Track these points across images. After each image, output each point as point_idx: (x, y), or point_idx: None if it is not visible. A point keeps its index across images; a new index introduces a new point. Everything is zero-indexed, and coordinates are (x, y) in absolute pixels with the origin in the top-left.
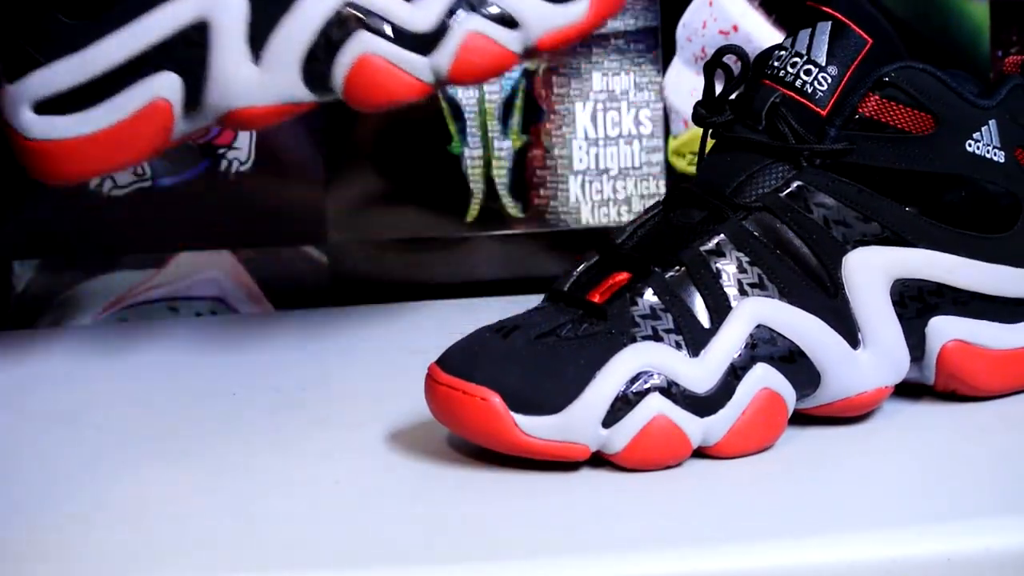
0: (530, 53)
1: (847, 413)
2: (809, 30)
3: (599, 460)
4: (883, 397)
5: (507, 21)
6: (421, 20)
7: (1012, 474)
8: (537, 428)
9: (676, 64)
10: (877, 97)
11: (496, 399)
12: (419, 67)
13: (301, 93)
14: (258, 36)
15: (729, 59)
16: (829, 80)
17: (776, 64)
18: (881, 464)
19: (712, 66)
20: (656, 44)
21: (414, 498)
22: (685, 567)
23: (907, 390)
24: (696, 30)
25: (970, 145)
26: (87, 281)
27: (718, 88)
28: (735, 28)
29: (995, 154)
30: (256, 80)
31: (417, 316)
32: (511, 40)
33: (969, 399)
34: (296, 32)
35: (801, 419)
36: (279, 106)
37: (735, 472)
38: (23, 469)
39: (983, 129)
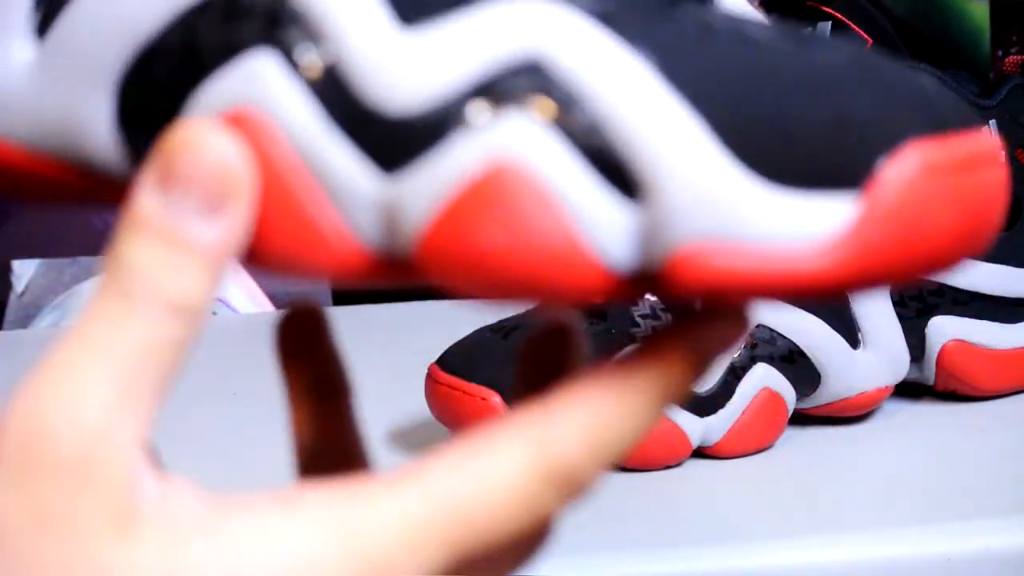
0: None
1: (847, 413)
2: (809, 30)
3: None
4: (883, 397)
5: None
6: None
7: (1012, 474)
8: None
9: None
10: None
11: (496, 399)
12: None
13: (97, 143)
14: None
15: None
16: None
17: None
18: (881, 464)
19: None
20: None
21: None
22: (685, 567)
23: (907, 390)
24: None
25: None
26: (87, 281)
27: None
28: None
29: None
30: (27, 74)
31: (417, 316)
32: None
33: (969, 399)
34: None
35: (801, 419)
36: (44, 158)
37: (735, 472)
38: None
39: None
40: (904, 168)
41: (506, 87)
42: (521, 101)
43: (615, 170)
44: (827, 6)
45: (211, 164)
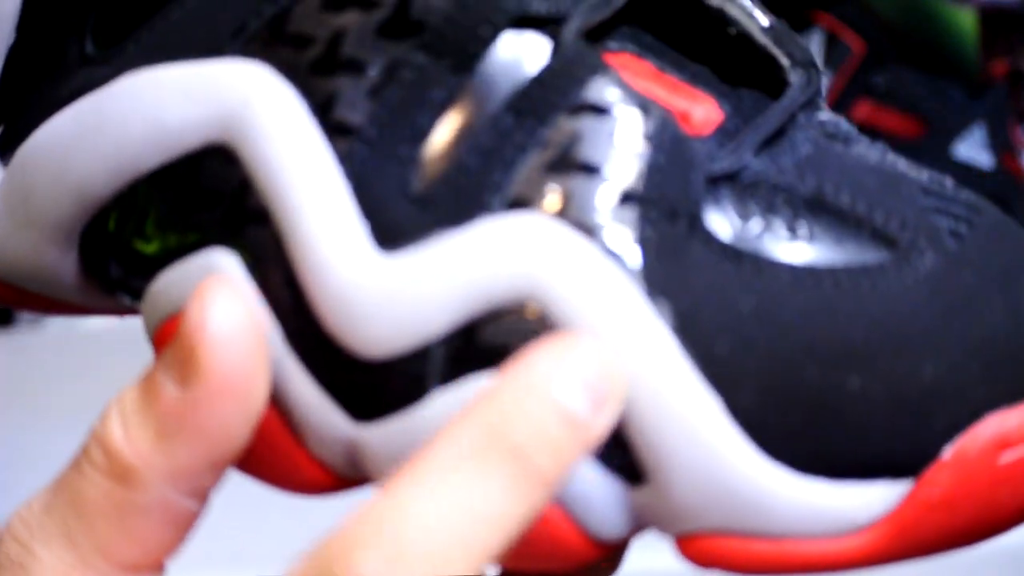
0: None
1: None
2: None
3: None
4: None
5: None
6: None
7: None
8: None
9: None
10: (869, 103)
11: None
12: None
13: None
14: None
15: None
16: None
17: None
18: None
19: None
20: None
21: None
22: (685, 566)
23: None
24: None
25: (958, 150)
26: None
27: None
28: None
29: (983, 159)
30: None
31: None
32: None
33: None
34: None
35: None
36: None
37: None
38: (28, 469)
39: (971, 134)
40: (972, 446)
41: (488, 333)
42: (504, 352)
43: (613, 448)
44: (820, 12)
45: (186, 330)
